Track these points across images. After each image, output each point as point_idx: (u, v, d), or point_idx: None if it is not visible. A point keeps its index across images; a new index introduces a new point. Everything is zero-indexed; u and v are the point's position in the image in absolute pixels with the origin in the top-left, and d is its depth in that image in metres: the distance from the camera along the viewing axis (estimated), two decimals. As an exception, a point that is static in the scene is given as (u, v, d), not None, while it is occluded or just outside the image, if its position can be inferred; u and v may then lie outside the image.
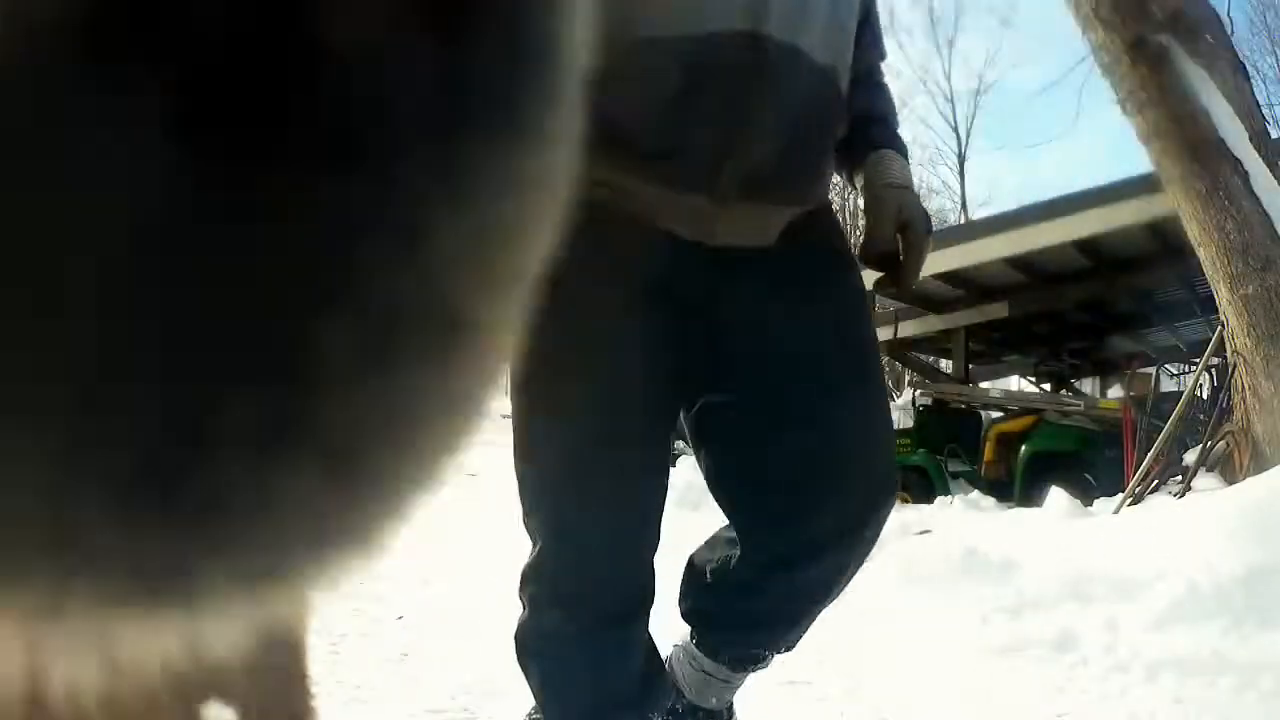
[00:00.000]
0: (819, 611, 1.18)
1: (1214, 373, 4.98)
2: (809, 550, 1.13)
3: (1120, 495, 4.34)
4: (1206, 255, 3.99)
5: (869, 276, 1.21)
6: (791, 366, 1.10)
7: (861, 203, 1.17)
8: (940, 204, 20.93)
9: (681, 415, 1.22)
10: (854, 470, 1.11)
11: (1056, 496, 4.05)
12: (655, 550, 1.26)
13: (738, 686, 1.28)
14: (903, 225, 1.09)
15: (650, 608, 1.25)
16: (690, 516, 7.16)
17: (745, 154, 1.02)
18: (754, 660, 1.24)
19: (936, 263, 6.23)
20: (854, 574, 1.17)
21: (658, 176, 1.03)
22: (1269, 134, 4.35)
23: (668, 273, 1.06)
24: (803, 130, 1.05)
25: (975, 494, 5.75)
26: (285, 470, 0.12)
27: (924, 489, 6.30)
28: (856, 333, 1.17)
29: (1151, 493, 4.26)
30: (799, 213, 1.10)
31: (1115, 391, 9.17)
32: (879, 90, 1.24)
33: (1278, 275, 3.79)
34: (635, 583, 1.22)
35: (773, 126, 1.02)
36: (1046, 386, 9.57)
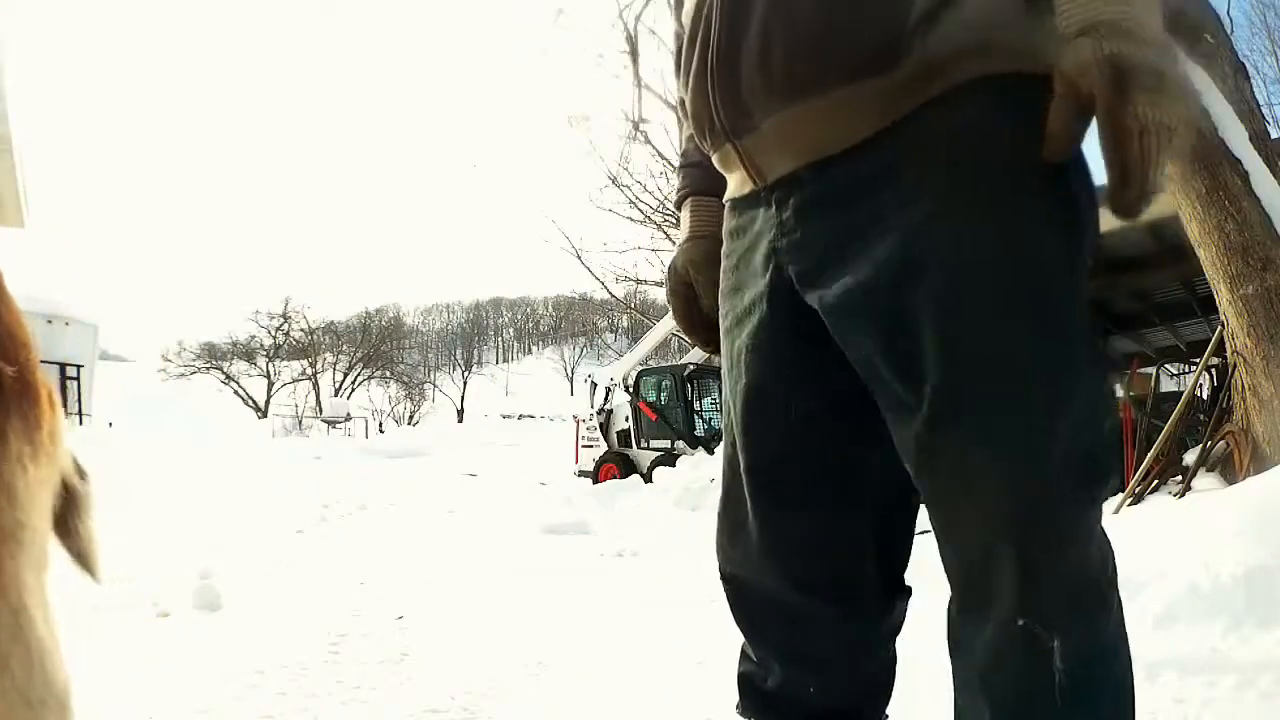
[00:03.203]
0: None
1: (1214, 373, 4.98)
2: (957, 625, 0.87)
3: (1120, 495, 4.33)
4: (1206, 255, 3.99)
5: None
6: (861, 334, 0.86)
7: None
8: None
9: None
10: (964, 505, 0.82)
11: (1057, 496, 4.04)
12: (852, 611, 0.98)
13: None
14: (1094, 95, 0.72)
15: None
16: (689, 517, 7.17)
17: (723, 56, 0.90)
18: None
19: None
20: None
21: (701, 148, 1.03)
22: (1269, 134, 4.35)
23: (758, 247, 0.95)
24: None
25: (975, 494, 5.73)
26: None
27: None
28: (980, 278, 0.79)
29: (1151, 493, 4.26)
30: (889, 89, 0.81)
31: (1115, 391, 9.16)
32: None
33: (1278, 275, 3.78)
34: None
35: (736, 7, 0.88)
36: (1047, 386, 9.54)
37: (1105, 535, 0.83)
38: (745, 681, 1.06)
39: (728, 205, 1.03)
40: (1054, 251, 0.79)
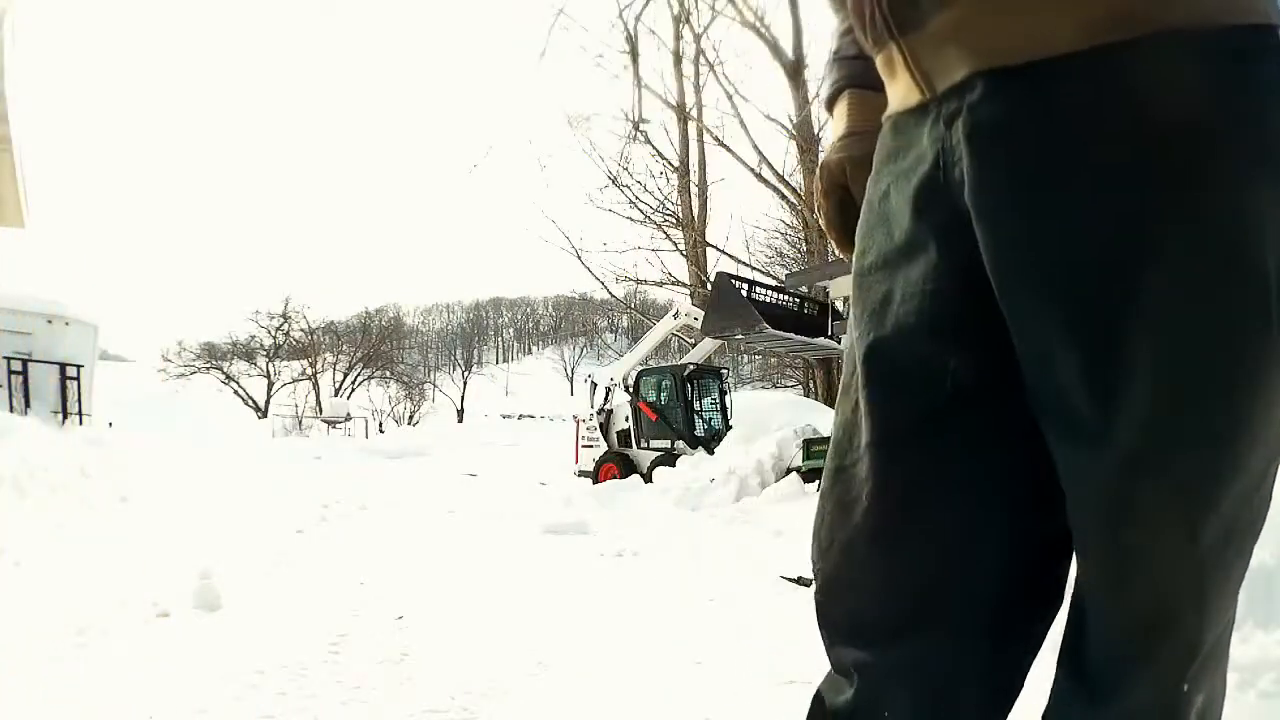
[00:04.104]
0: None
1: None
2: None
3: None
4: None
5: None
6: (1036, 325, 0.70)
7: None
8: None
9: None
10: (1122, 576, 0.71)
11: (1056, 496, 4.04)
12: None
13: None
14: None
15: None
16: (689, 517, 7.16)
17: None
18: None
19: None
20: None
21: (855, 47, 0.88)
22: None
23: (914, 173, 0.78)
24: None
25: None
26: None
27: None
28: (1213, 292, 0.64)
29: (1151, 493, 4.26)
30: None
31: None
32: None
33: (1278, 275, 3.78)
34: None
35: None
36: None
37: None
38: (818, 699, 0.90)
39: (887, 123, 0.85)
40: None
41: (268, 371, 40.58)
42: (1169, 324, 0.65)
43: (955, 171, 0.73)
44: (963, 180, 0.72)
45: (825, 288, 11.91)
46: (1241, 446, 0.67)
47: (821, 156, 0.99)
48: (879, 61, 0.82)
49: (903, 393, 0.79)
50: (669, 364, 13.59)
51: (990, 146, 0.70)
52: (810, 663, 2.23)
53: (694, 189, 17.83)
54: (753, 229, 36.35)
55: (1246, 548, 0.73)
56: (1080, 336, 0.68)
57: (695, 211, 17.90)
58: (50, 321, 9.22)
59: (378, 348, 44.46)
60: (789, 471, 7.09)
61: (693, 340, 13.84)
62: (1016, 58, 0.68)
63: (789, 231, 19.36)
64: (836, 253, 0.98)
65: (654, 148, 16.98)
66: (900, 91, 0.81)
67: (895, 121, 0.83)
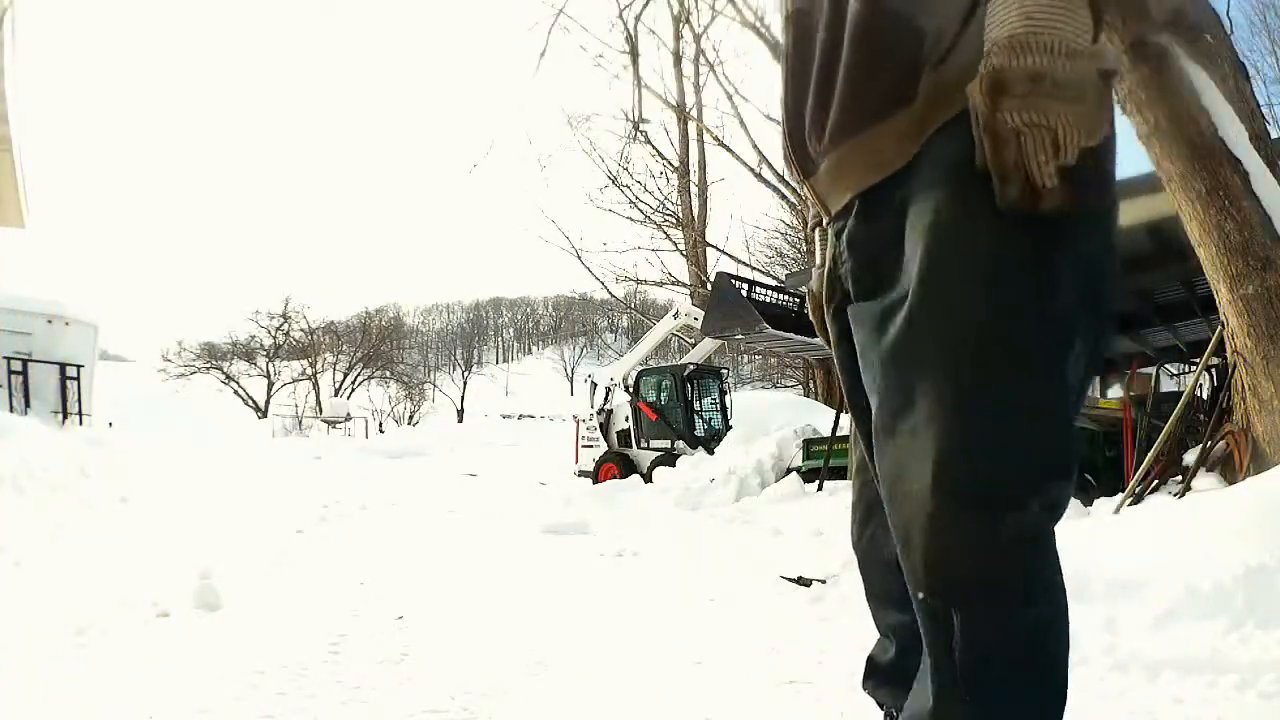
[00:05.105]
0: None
1: (1214, 373, 4.97)
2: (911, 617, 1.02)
3: (1120, 495, 4.33)
4: (1206, 255, 3.98)
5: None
6: (862, 348, 1.02)
7: None
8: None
9: None
10: (903, 506, 0.92)
11: (1056, 496, 4.02)
12: None
13: None
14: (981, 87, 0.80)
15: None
16: (689, 517, 7.15)
17: (792, 115, 1.07)
18: None
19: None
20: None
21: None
22: (1269, 134, 4.34)
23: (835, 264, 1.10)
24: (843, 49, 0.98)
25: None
26: None
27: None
28: (939, 294, 0.87)
29: (1151, 493, 4.26)
30: (908, 123, 0.92)
31: (1115, 391, 9.15)
32: None
33: (1278, 275, 3.78)
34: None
35: (803, 72, 1.04)
36: (1046, 386, 9.48)
37: (1037, 543, 0.88)
38: (870, 660, 1.22)
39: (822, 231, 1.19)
40: (1013, 304, 0.86)
41: (268, 371, 40.51)
42: (893, 359, 0.91)
43: (842, 270, 1.05)
44: (845, 275, 1.05)
45: (825, 288, 11.88)
46: (955, 436, 0.85)
47: (809, 284, 1.32)
48: (804, 193, 1.16)
49: (861, 432, 1.10)
50: (669, 364, 13.58)
51: (851, 250, 1.02)
52: (810, 663, 2.23)
53: (694, 189, 17.83)
54: (753, 229, 36.36)
55: (997, 513, 0.86)
56: (869, 370, 0.98)
57: (695, 211, 17.90)
58: (50, 321, 9.20)
59: (378, 348, 44.38)
60: (789, 471, 7.09)
61: (693, 340, 13.83)
62: (866, 183, 0.98)
63: (789, 231, 19.34)
64: None
65: (654, 148, 16.98)
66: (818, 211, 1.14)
67: (821, 232, 1.18)
